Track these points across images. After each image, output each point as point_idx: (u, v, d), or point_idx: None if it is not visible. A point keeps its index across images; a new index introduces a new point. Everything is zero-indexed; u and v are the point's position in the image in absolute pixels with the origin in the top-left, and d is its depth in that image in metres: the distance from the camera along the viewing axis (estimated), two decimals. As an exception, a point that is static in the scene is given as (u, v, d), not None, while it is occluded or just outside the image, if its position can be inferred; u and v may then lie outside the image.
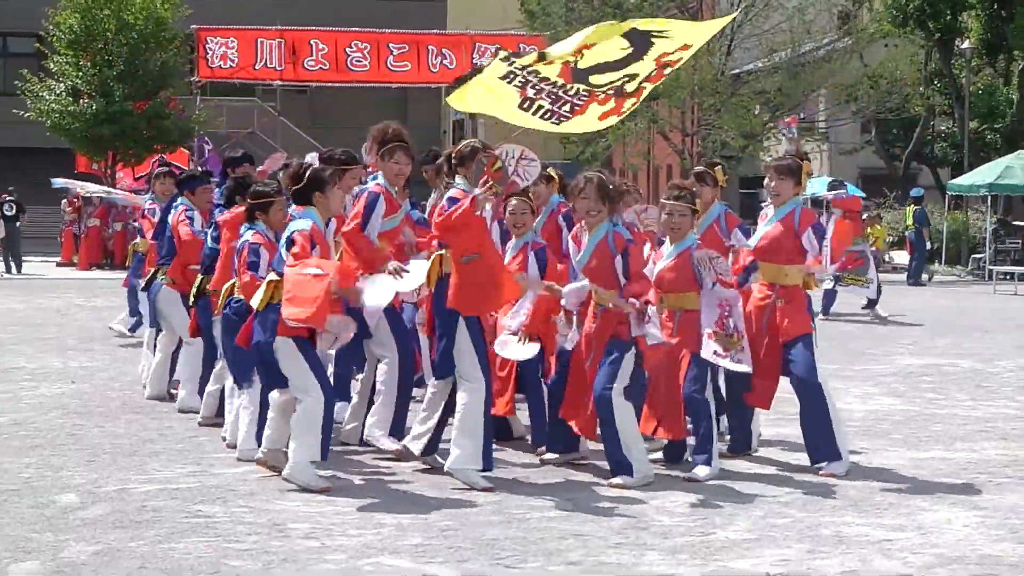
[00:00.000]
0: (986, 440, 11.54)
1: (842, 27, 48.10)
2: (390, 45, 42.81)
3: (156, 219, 14.22)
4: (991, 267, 36.68)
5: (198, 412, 11.82)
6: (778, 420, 11.39)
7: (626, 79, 10.15)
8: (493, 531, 8.04)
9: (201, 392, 12.08)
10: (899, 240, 36.04)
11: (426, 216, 11.10)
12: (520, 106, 10.21)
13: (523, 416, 10.92)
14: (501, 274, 9.61)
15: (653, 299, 9.40)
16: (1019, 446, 11.27)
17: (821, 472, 9.75)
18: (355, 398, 10.75)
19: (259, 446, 9.60)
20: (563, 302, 9.74)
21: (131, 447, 10.67)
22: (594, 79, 10.26)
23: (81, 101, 39.64)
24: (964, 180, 40.09)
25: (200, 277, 11.72)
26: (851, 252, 22.52)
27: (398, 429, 10.19)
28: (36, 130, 42.23)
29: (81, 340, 18.68)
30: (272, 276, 9.28)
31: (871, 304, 23.32)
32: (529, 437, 10.75)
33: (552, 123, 10.08)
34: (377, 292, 9.61)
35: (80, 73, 40.17)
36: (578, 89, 10.20)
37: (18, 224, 37.01)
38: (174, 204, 13.06)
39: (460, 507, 8.66)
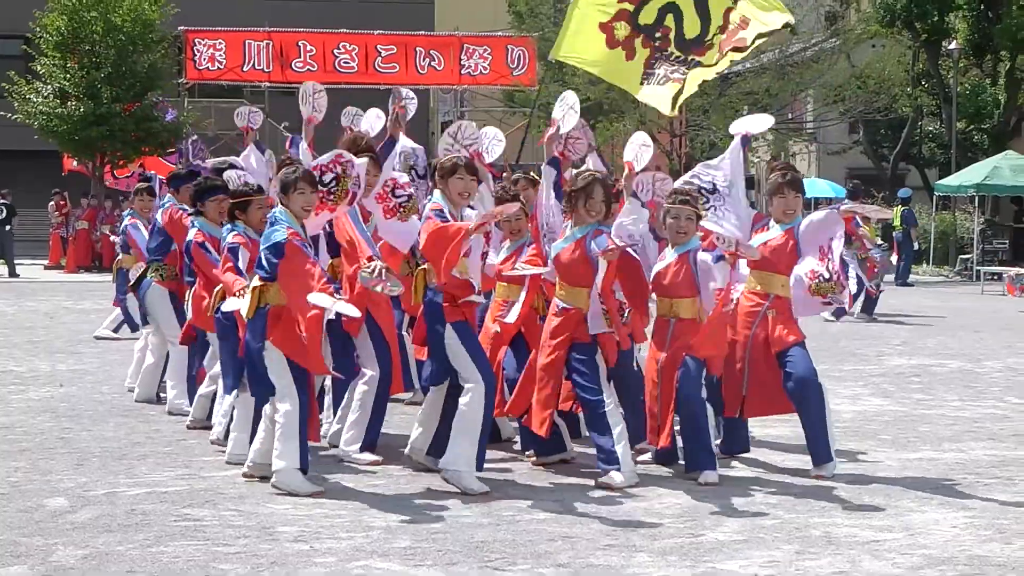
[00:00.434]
0: (974, 440, 11.56)
1: (830, 28, 48.16)
2: (378, 47, 42.79)
3: (138, 235, 14.31)
4: (979, 268, 36.76)
5: (186, 414, 11.81)
6: (766, 422, 11.39)
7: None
8: (482, 533, 8.04)
9: (190, 393, 12.07)
10: (887, 241, 36.05)
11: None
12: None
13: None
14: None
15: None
16: (1007, 446, 11.30)
17: (811, 474, 9.77)
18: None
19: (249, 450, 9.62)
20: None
21: (120, 450, 10.66)
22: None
23: (69, 103, 39.55)
24: (952, 180, 40.14)
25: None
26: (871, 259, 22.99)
27: (371, 443, 10.22)
28: (24, 133, 42.13)
29: (69, 343, 18.65)
30: (256, 281, 9.28)
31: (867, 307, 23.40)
32: (517, 439, 10.75)
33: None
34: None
35: (67, 75, 40.07)
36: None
37: (8, 228, 36.93)
38: (162, 204, 13.10)
39: (449, 510, 8.66)
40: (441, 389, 9.60)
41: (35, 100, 40.10)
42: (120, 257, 16.35)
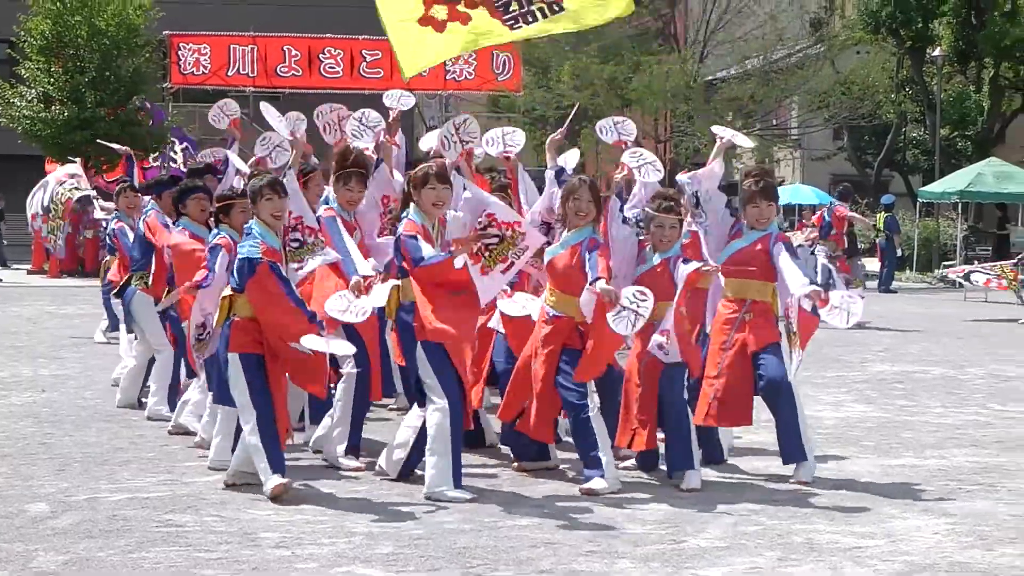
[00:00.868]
0: (956, 447, 11.58)
1: (814, 34, 48.29)
2: (363, 52, 42.74)
3: (124, 239, 14.29)
4: (962, 274, 36.77)
5: (168, 420, 11.79)
6: (749, 428, 11.37)
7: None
8: (464, 539, 8.04)
9: (171, 399, 12.05)
10: (870, 247, 36.14)
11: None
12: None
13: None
14: (469, 304, 9.50)
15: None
16: (989, 453, 11.32)
17: (791, 480, 9.78)
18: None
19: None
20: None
21: (102, 456, 10.64)
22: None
23: (53, 107, 39.46)
24: (935, 187, 40.21)
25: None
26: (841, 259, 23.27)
27: (353, 447, 10.21)
28: (7, 137, 42.03)
29: (52, 348, 18.61)
30: (228, 291, 9.29)
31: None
32: (501, 445, 10.75)
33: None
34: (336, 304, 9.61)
35: (52, 79, 39.96)
36: None
37: None
38: (145, 209, 13.09)
39: (431, 516, 8.65)
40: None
41: (19, 104, 39.99)
42: (107, 258, 16.36)
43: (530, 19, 11.09)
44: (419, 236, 9.28)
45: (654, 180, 10.23)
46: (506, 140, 10.65)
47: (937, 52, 45.03)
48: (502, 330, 10.51)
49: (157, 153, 31.58)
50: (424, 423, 9.37)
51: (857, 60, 47.95)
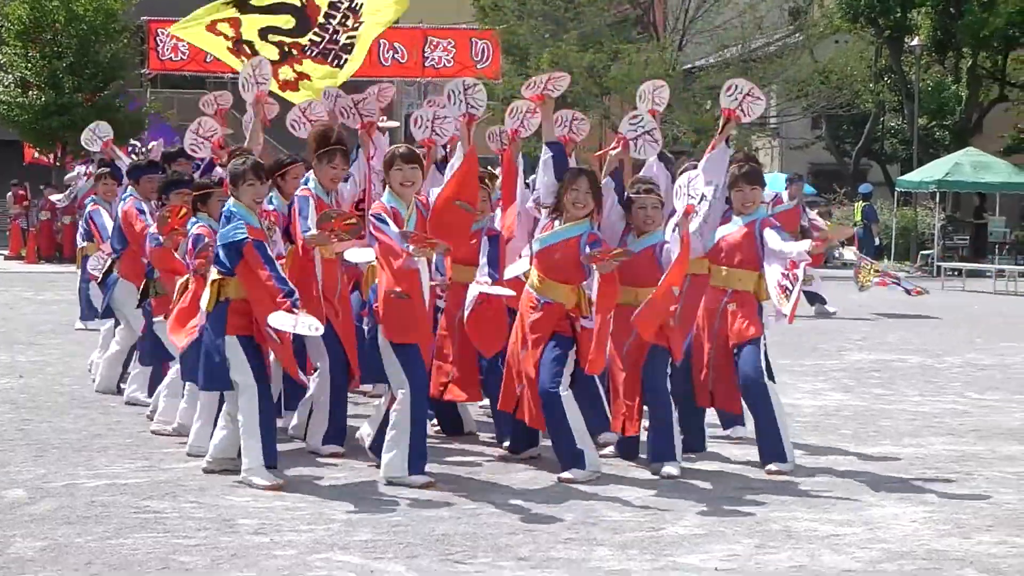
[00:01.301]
0: (933, 435, 11.61)
1: (793, 23, 48.28)
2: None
3: (100, 221, 14.27)
4: (939, 263, 36.95)
5: (145, 406, 11.77)
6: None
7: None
8: (443, 527, 8.04)
9: (151, 387, 12.02)
10: (848, 236, 36.21)
11: None
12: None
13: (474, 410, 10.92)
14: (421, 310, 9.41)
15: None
16: (966, 442, 11.36)
17: (767, 470, 9.79)
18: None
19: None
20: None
21: (80, 442, 10.61)
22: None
23: (30, 93, 39.33)
24: (913, 176, 40.28)
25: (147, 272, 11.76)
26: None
27: (336, 433, 10.20)
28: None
29: (29, 334, 18.54)
30: (215, 275, 9.26)
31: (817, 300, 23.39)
32: (480, 432, 10.75)
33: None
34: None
35: (29, 64, 39.85)
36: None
37: None
38: (122, 196, 13.07)
39: (410, 503, 8.65)
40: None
41: (-5, 89, 39.89)
42: (83, 245, 16.29)
43: (348, 51, 11.93)
44: (387, 217, 9.26)
45: (651, 156, 10.14)
46: (469, 97, 10.15)
47: (915, 42, 45.09)
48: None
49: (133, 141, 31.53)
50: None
51: (836, 49, 47.94)
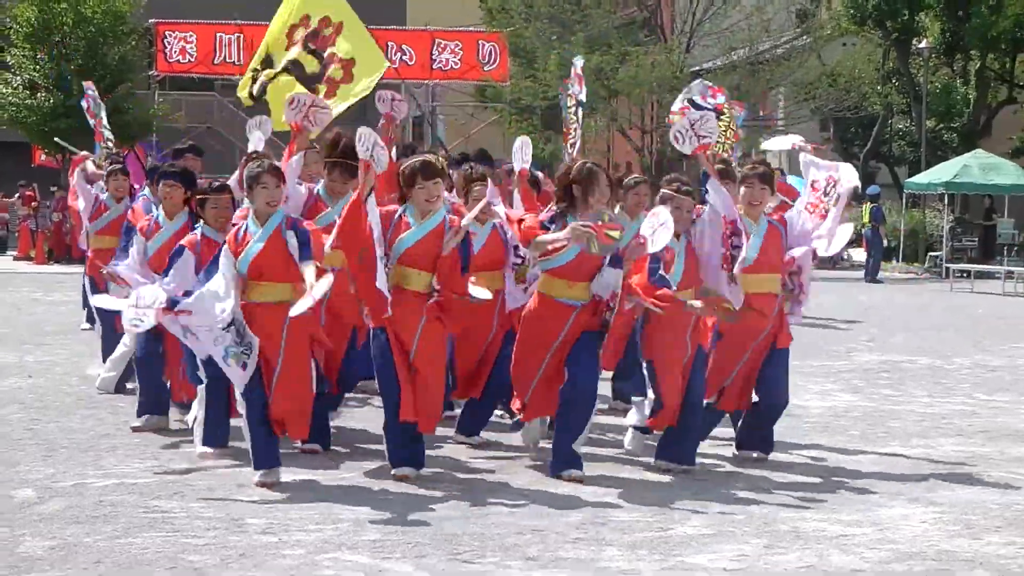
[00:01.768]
0: (943, 436, 11.60)
1: (800, 26, 48.24)
2: (347, 39, 42.56)
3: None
4: (948, 265, 36.90)
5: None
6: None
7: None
8: (451, 526, 8.04)
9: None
10: (856, 238, 36.20)
11: None
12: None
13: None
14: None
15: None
16: (975, 443, 11.35)
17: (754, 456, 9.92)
18: None
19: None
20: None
21: (88, 442, 10.62)
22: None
23: (39, 95, 39.40)
24: (921, 178, 40.26)
25: None
26: None
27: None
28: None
29: (37, 334, 18.56)
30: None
31: None
32: (487, 432, 10.74)
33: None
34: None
35: (37, 67, 39.94)
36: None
37: None
38: (138, 197, 13.15)
39: (418, 502, 8.65)
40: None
41: (4, 91, 39.95)
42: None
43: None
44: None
45: (659, 247, 9.63)
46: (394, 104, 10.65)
47: (923, 44, 44.99)
48: None
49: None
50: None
51: (843, 52, 47.90)
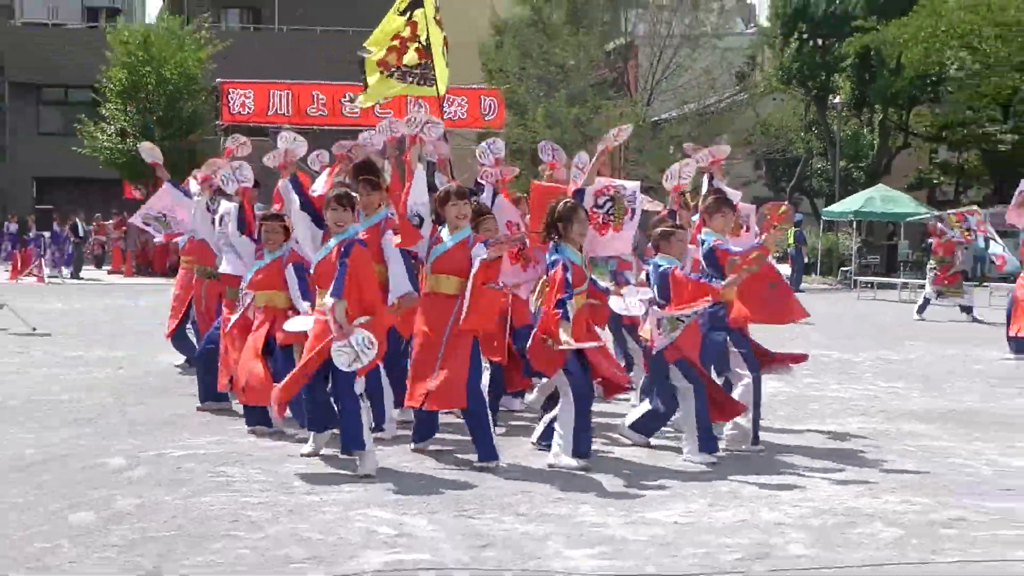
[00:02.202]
0: (851, 416, 11.61)
1: (739, 84, 48.34)
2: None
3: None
4: (856, 278, 36.93)
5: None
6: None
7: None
8: (458, 490, 8.05)
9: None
10: (782, 256, 36.22)
11: None
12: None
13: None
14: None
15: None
16: (876, 421, 11.36)
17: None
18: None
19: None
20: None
21: (166, 420, 10.62)
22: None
23: (127, 140, 39.43)
24: (835, 208, 40.40)
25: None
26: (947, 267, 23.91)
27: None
28: (92, 163, 42.04)
29: (128, 333, 18.55)
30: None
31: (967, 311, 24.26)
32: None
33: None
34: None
35: (127, 118, 40.00)
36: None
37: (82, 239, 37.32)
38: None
39: (432, 472, 8.67)
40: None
41: (100, 138, 40.08)
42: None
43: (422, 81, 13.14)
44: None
45: (632, 312, 9.50)
46: (425, 127, 9.64)
47: (837, 100, 45.10)
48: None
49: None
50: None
51: (774, 105, 48.04)
